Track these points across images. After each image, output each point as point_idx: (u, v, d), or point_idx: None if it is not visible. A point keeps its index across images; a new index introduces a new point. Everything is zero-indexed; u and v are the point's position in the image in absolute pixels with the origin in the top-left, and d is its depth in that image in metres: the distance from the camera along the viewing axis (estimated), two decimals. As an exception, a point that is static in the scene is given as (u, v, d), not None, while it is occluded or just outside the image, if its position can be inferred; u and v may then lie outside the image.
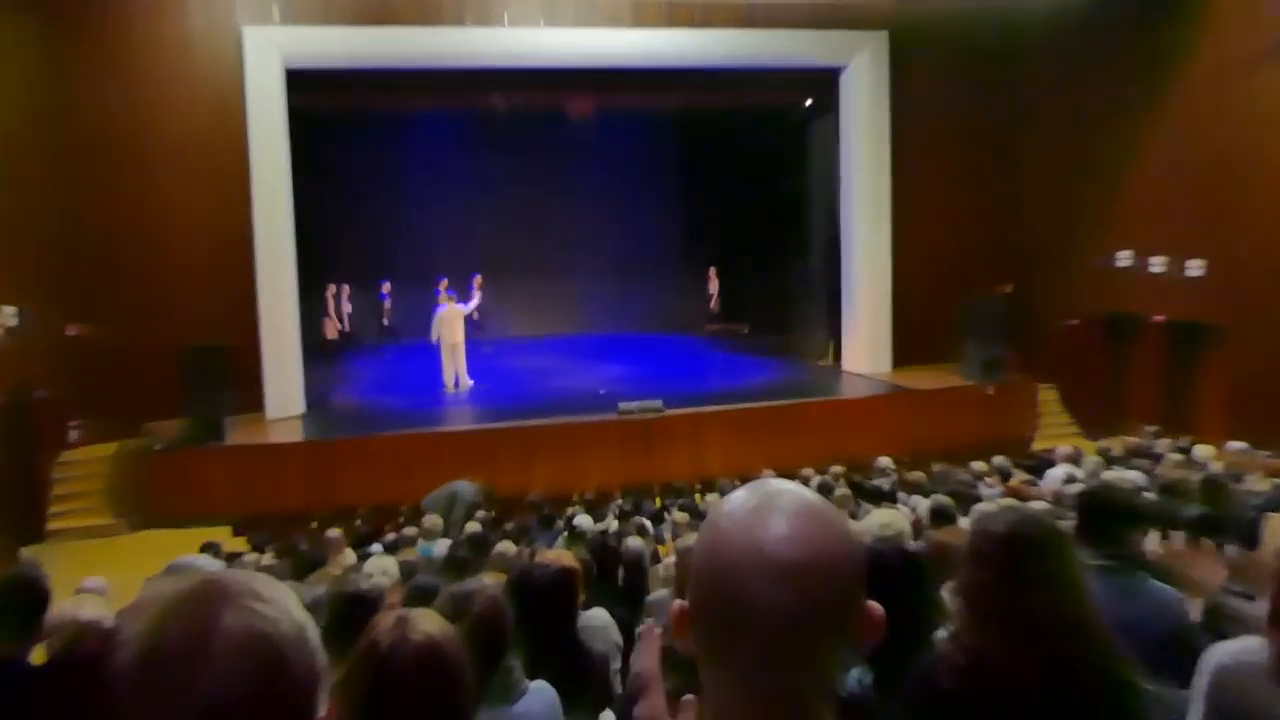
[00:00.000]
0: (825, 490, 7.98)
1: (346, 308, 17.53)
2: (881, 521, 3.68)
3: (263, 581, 1.10)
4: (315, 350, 16.45)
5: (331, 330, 17.20)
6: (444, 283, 16.68)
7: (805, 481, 8.55)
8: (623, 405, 12.88)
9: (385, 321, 17.88)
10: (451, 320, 15.01)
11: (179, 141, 13.69)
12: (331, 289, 17.29)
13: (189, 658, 1.00)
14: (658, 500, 10.85)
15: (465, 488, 9.94)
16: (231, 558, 8.05)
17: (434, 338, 15.13)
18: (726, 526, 1.06)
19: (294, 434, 12.99)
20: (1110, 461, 9.13)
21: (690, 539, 4.13)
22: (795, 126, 17.46)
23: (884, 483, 9.49)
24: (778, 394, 14.02)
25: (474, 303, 15.69)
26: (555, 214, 20.08)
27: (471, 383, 15.23)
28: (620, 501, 10.08)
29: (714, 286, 19.59)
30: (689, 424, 12.95)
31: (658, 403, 12.94)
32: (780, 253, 18.30)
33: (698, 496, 10.67)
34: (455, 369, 15.20)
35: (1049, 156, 16.07)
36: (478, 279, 17.76)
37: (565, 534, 8.05)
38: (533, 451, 12.41)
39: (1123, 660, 1.81)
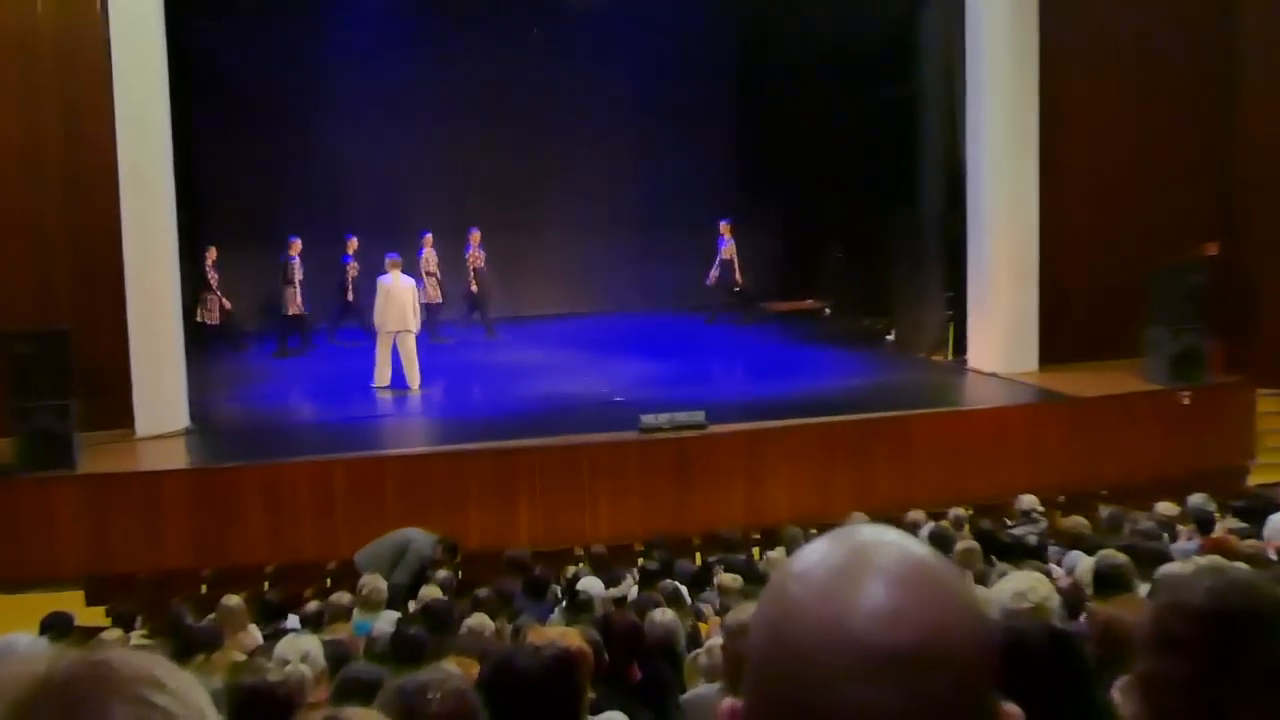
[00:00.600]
0: (941, 542, 8.12)
1: (298, 275, 17.96)
2: (1018, 589, 3.70)
3: (164, 666, 1.10)
4: (258, 333, 17.21)
5: (294, 304, 17.68)
6: (428, 238, 17.30)
7: (913, 530, 8.70)
8: (647, 419, 12.91)
9: (349, 296, 18.17)
10: (399, 298, 15.25)
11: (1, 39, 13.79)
12: (297, 245, 17.74)
13: None
14: (697, 557, 10.96)
15: (419, 538, 10.05)
16: (84, 635, 8.05)
17: (375, 321, 15.45)
18: (799, 596, 1.07)
19: (174, 458, 13.03)
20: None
21: (746, 613, 4.12)
22: (902, 13, 17.44)
23: (1027, 532, 9.57)
24: (872, 403, 14.04)
25: (432, 294, 15.96)
26: (554, 140, 20.12)
27: (418, 390, 15.57)
28: (644, 559, 10.21)
29: (728, 248, 19.67)
30: (743, 446, 13.04)
31: (698, 414, 12.96)
32: (878, 198, 18.20)
33: (755, 552, 10.81)
34: (405, 366, 15.50)
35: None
36: (475, 234, 18.20)
37: (564, 604, 8.22)
38: (517, 485, 12.62)
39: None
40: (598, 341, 18.48)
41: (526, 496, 12.57)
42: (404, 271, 15.75)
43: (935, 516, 10.14)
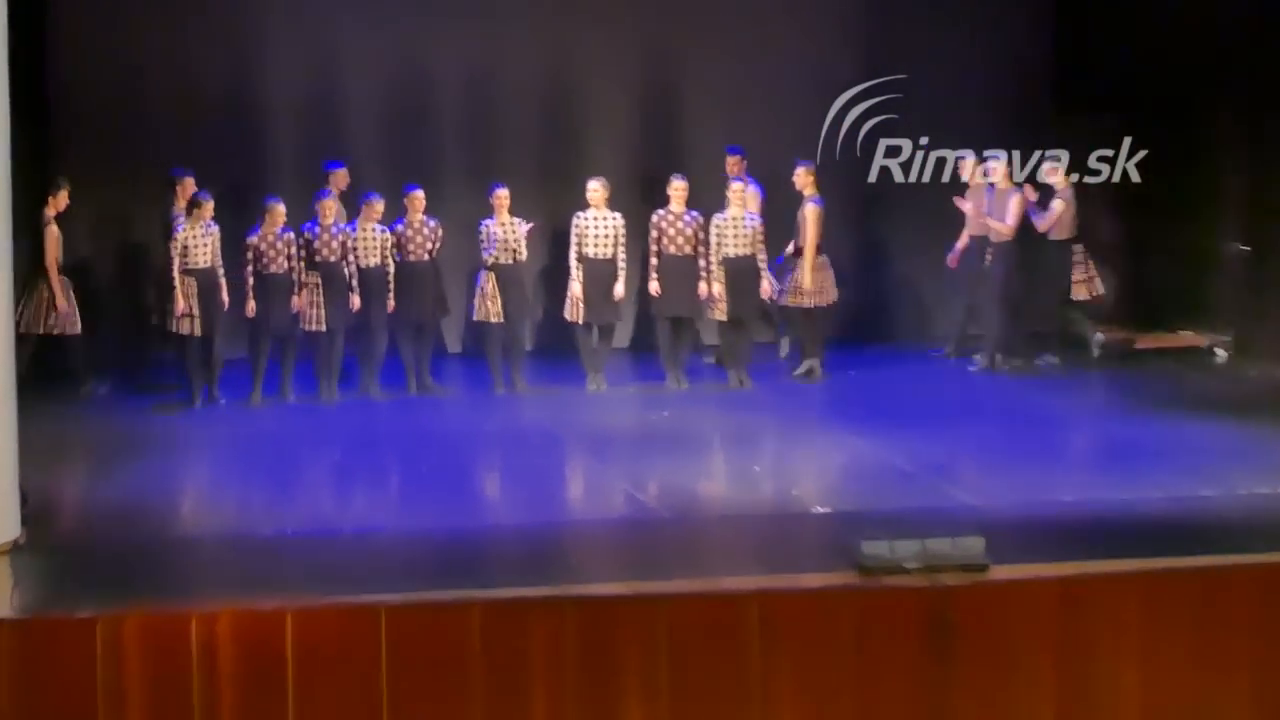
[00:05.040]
0: None
1: (334, 251, 13.54)
2: None
3: None
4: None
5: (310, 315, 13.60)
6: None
7: None
8: (873, 548, 10.37)
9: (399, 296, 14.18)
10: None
11: None
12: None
13: None
14: None
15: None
16: None
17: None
18: None
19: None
20: None
21: None
22: None
23: None
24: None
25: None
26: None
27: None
28: None
29: (1077, 253, 15.65)
30: (1056, 605, 10.05)
31: (973, 543, 10.40)
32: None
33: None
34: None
35: None
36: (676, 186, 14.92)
37: None
38: (622, 665, 9.50)
39: None
40: (782, 396, 15.03)
41: (640, 690, 9.42)
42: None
43: None
